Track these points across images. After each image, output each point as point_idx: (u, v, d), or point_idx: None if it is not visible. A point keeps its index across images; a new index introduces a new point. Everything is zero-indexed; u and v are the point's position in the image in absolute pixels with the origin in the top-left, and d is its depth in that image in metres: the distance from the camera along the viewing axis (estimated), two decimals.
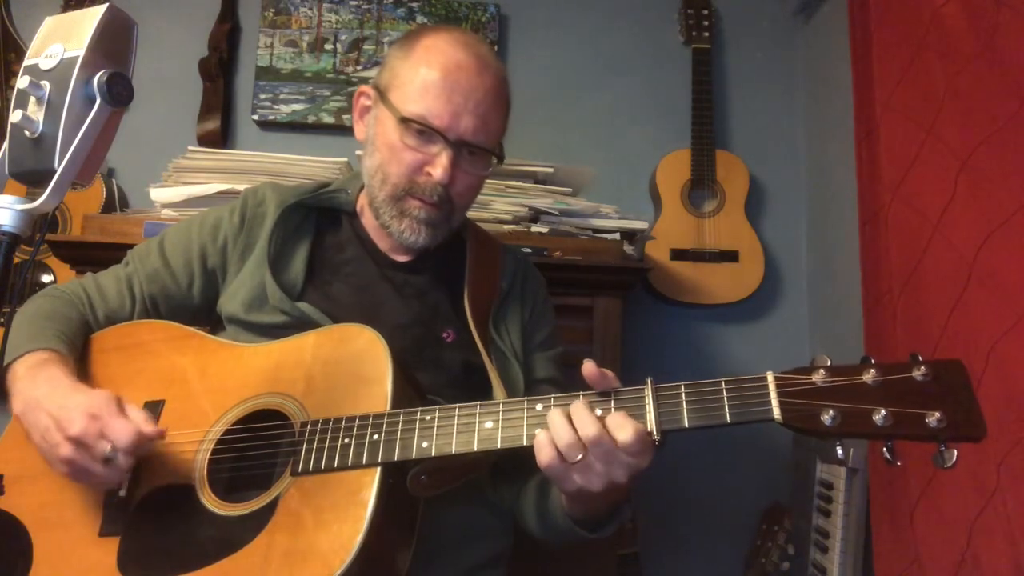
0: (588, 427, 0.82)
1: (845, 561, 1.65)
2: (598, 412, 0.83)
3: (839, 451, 0.78)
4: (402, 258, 1.19)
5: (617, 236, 1.78)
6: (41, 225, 1.47)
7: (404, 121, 1.07)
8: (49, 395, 0.94)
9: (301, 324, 1.06)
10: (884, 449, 0.77)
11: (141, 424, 0.91)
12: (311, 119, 2.17)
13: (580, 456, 0.81)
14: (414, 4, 2.24)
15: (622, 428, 0.81)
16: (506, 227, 1.74)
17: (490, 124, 1.10)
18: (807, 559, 1.76)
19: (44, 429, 0.92)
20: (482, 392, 1.06)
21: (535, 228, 1.75)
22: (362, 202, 1.21)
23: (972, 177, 1.40)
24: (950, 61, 1.48)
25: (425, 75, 1.07)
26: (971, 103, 1.42)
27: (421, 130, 1.07)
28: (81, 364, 1.08)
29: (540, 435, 0.84)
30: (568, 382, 0.89)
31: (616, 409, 0.84)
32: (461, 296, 1.15)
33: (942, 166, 1.48)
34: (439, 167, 1.06)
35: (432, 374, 1.07)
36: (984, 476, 1.28)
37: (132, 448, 0.89)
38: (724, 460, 2.16)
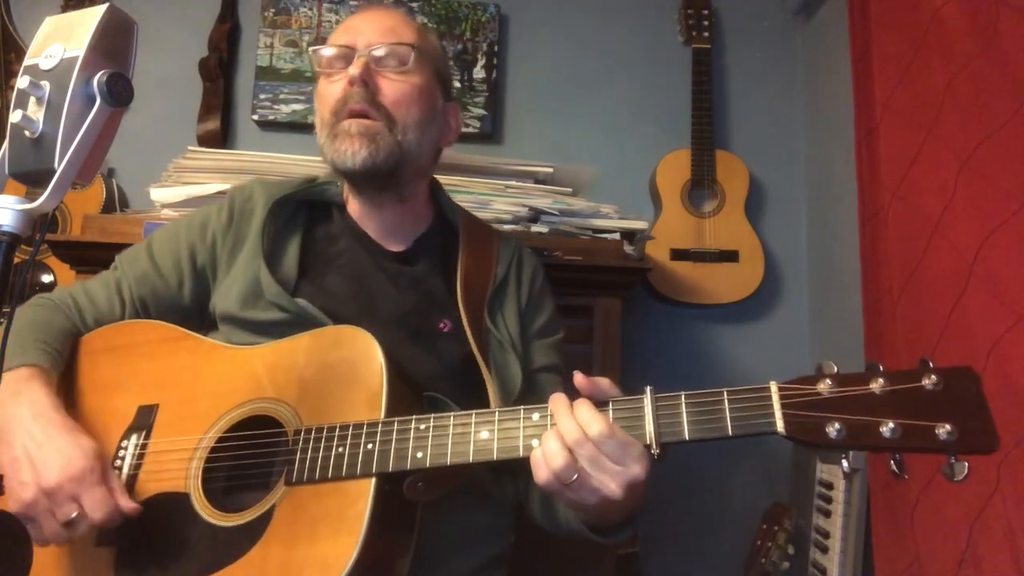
0: (578, 434, 0.80)
1: (845, 561, 1.65)
2: None
3: (845, 464, 0.75)
4: (396, 248, 1.18)
5: (617, 236, 1.78)
6: (41, 225, 1.46)
7: (315, 56, 1.14)
8: (31, 424, 0.90)
9: (298, 320, 1.04)
10: (892, 462, 0.74)
11: (119, 498, 0.89)
12: (311, 119, 2.15)
13: (575, 477, 0.79)
14: (414, 4, 2.23)
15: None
16: (506, 227, 1.74)
17: (394, 29, 1.14)
18: (807, 559, 1.76)
19: (14, 460, 0.88)
20: (478, 384, 1.04)
21: (535, 228, 1.75)
22: (347, 193, 1.21)
23: (972, 177, 1.40)
24: (950, 61, 1.48)
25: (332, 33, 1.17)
26: (971, 103, 1.42)
27: (331, 57, 1.12)
28: (70, 368, 1.06)
29: (536, 453, 0.82)
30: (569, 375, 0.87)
31: (613, 420, 0.81)
32: (456, 285, 1.13)
33: (942, 166, 1.47)
34: (353, 69, 1.08)
35: (428, 365, 1.06)
36: (984, 476, 1.28)
37: (103, 524, 0.88)
38: (724, 460, 2.16)
